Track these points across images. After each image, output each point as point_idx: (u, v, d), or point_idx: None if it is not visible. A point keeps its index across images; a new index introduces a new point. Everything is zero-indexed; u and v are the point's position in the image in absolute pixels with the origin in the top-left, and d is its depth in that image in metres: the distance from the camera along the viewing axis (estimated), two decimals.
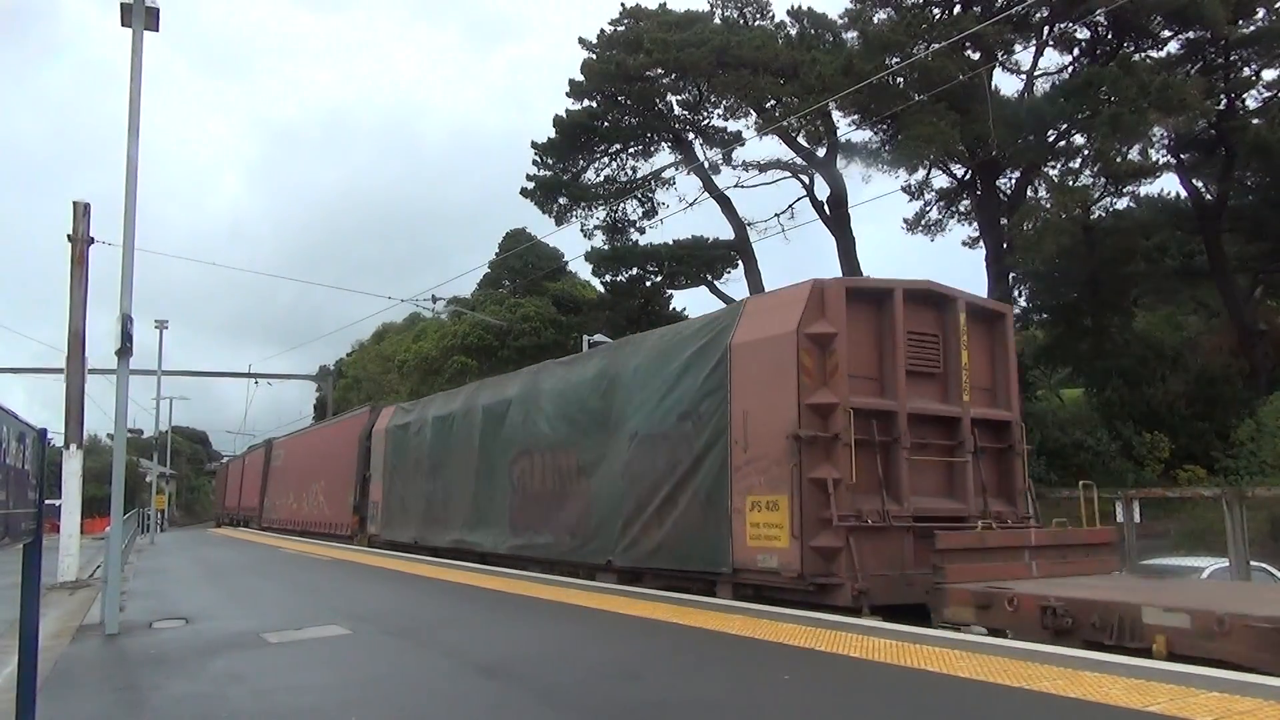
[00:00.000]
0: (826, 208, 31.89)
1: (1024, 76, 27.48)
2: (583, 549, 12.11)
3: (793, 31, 32.16)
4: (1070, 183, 26.71)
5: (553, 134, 34.71)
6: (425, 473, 18.03)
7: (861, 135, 29.61)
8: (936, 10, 27.06)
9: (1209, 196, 28.45)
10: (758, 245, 34.16)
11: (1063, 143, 26.54)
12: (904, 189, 30.78)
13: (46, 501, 4.46)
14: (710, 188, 33.62)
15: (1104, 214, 30.00)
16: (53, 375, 36.37)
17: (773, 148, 34.28)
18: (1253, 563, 13.33)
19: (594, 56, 33.80)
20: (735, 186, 33.45)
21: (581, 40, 34.37)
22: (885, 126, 27.83)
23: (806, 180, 33.01)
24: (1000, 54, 25.80)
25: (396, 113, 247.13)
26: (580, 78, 33.82)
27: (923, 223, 32.28)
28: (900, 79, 25.00)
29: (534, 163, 35.46)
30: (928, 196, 31.70)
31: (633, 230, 35.99)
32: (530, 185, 35.41)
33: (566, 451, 12.84)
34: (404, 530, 18.86)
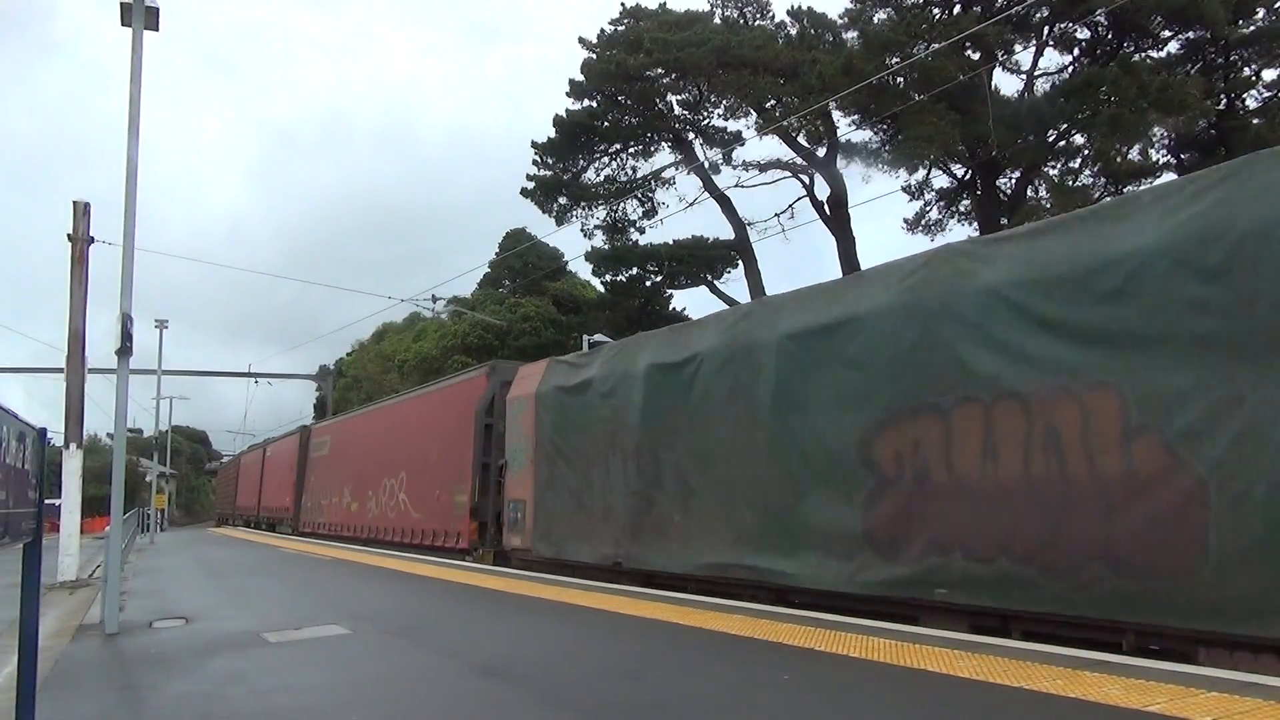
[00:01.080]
0: (826, 208, 31.90)
1: (1024, 76, 27.52)
2: (1182, 598, 5.79)
3: (793, 31, 32.18)
4: (1070, 183, 26.73)
5: (553, 134, 34.75)
6: (632, 454, 11.30)
7: (861, 135, 29.67)
8: (936, 10, 27.07)
9: None
10: (758, 245, 34.22)
11: (1063, 143, 26.57)
12: (904, 189, 30.82)
13: (46, 501, 4.46)
14: (710, 188, 33.64)
15: None
16: (51, 374, 36.48)
17: (773, 148, 34.33)
18: None
19: (594, 56, 33.83)
20: (735, 186, 33.51)
21: (581, 40, 34.44)
22: (885, 126, 27.83)
23: (806, 180, 33.04)
24: (1000, 54, 25.81)
25: (394, 112, 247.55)
26: (580, 77, 33.85)
27: (923, 223, 32.29)
28: (900, 79, 25.02)
29: (534, 162, 35.53)
30: (928, 196, 31.73)
31: (633, 230, 36.07)
32: (530, 185, 35.46)
33: (1082, 397, 6.44)
34: (587, 544, 12.16)
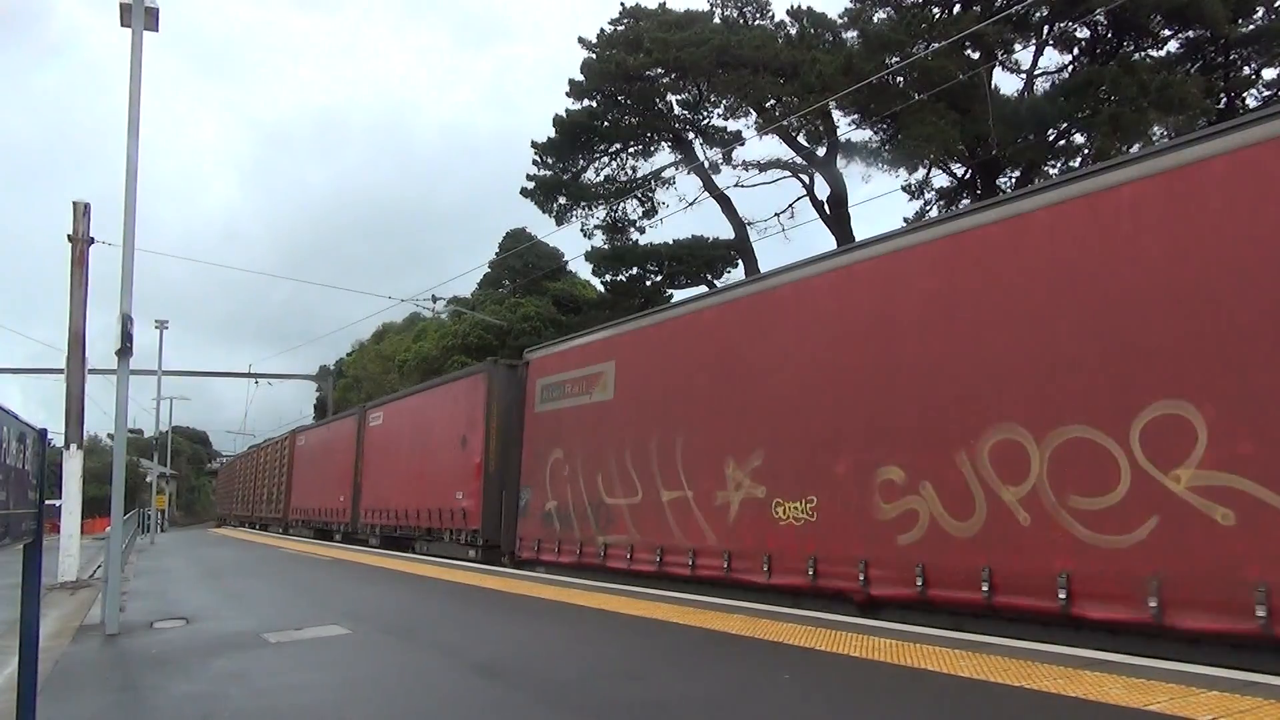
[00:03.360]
0: (826, 207, 31.89)
1: (1024, 76, 27.49)
2: None
3: (793, 31, 32.14)
4: None
5: (552, 133, 34.73)
6: None
7: (861, 135, 29.63)
8: (936, 10, 27.05)
9: None
10: (758, 245, 34.21)
11: (1063, 142, 26.55)
12: (904, 188, 30.75)
13: (47, 502, 4.46)
14: (710, 187, 33.63)
15: None
16: (50, 375, 36.48)
17: (773, 147, 34.34)
18: None
19: (594, 56, 33.81)
20: (735, 186, 33.49)
21: (581, 40, 34.40)
22: (885, 126, 27.81)
23: (806, 180, 33.01)
24: (1000, 54, 25.78)
25: (388, 112, 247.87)
26: (579, 77, 33.84)
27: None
28: (900, 78, 25.00)
29: (534, 162, 35.49)
30: (928, 196, 31.64)
31: (633, 230, 36.05)
32: (530, 185, 35.45)
33: None
34: None
